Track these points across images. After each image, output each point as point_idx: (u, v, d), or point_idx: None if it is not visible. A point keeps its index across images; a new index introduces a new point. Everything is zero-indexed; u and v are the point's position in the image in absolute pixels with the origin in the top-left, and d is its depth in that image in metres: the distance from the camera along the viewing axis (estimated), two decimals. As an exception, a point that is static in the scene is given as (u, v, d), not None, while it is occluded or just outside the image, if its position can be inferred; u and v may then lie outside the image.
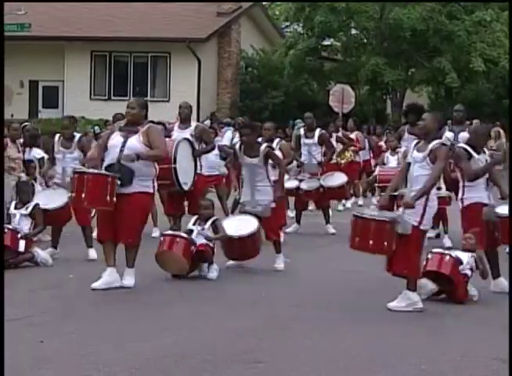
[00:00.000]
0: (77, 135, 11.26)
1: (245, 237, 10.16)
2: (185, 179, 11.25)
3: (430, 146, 8.31)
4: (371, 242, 8.15)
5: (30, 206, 10.72)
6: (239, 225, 10.28)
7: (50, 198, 10.94)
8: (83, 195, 8.74)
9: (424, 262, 8.80)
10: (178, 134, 11.86)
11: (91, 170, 8.95)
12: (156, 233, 12.64)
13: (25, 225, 10.53)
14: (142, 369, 6.19)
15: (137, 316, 7.91)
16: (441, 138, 9.44)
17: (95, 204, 9.04)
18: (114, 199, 8.72)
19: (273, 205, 10.50)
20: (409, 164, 8.51)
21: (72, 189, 9.01)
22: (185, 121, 12.09)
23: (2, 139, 12.42)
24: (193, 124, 12.18)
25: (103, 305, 8.36)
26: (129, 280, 9.05)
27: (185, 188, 11.27)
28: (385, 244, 8.13)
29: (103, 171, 8.87)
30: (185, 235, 9.73)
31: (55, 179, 11.31)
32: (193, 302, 8.54)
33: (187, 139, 11.54)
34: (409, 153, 8.68)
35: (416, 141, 8.67)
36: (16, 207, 10.78)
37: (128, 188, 8.87)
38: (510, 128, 21.40)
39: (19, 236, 10.32)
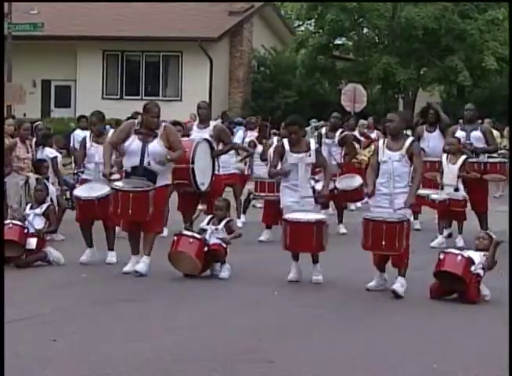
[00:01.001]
0: (111, 130, 11.12)
1: (312, 223, 9.30)
2: (203, 180, 11.24)
3: (407, 143, 8.88)
4: (384, 243, 8.61)
5: (44, 206, 10.74)
6: (308, 215, 9.55)
7: (90, 190, 10.66)
8: (130, 211, 9.50)
9: (436, 262, 8.77)
10: (196, 134, 11.89)
11: (135, 188, 9.51)
12: (164, 233, 12.53)
13: (38, 225, 10.50)
14: (142, 369, 6.20)
15: (139, 315, 7.91)
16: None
17: (140, 218, 9.64)
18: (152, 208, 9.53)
19: None
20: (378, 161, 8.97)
21: (113, 204, 9.54)
22: (204, 121, 12.10)
23: (2, 139, 12.37)
24: (212, 123, 12.13)
25: (105, 304, 8.34)
26: (144, 268, 9.62)
27: (202, 188, 11.29)
28: (397, 244, 8.61)
29: (145, 188, 9.52)
30: (198, 236, 9.70)
31: (85, 176, 11.11)
32: (198, 302, 8.53)
33: (206, 140, 11.49)
34: (380, 150, 9.00)
35: (382, 140, 9.20)
36: (31, 208, 10.79)
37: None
38: (510, 128, 21.24)
39: (25, 231, 10.28)
